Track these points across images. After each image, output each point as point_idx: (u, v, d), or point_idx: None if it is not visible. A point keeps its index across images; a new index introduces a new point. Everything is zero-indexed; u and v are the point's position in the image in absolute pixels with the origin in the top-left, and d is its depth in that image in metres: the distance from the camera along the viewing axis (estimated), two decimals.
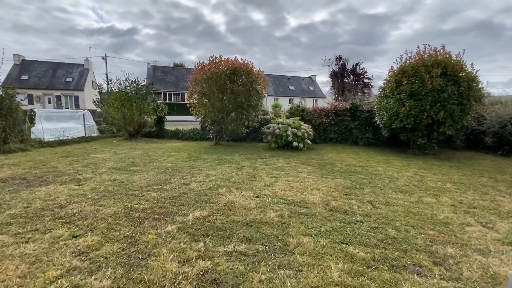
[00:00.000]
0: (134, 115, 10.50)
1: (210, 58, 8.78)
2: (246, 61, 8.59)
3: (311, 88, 51.24)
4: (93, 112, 12.93)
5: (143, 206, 3.55)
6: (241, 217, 3.24)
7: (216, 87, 8.47)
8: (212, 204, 3.65)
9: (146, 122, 11.20)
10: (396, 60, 7.91)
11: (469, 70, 6.81)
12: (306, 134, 8.08)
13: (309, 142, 8.21)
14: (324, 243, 2.64)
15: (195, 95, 9.09)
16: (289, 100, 47.35)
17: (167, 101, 35.70)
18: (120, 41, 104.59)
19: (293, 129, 7.94)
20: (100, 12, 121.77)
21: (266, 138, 8.53)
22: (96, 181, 4.75)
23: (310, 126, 8.62)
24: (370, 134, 9.46)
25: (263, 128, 9.46)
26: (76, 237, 2.70)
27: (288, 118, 9.03)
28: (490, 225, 3.19)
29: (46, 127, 9.34)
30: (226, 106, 8.66)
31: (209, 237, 2.73)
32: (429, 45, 7.45)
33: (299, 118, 8.62)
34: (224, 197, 3.95)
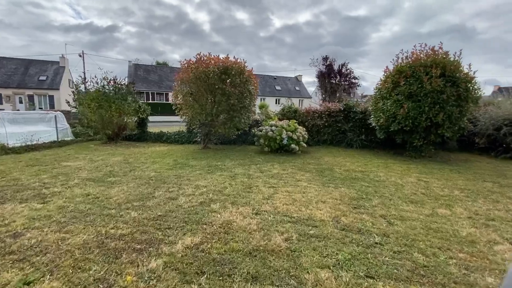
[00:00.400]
0: (113, 116, 9.64)
1: (198, 56, 8.15)
2: (238, 60, 8.03)
3: (297, 88, 51.36)
4: (67, 114, 11.85)
5: (120, 232, 2.94)
6: (242, 243, 2.71)
7: (205, 87, 7.87)
8: (205, 226, 3.09)
9: (126, 124, 10.35)
10: (393, 59, 7.67)
11: (467, 71, 6.65)
12: (301, 137, 7.65)
13: (304, 145, 7.79)
14: (347, 279, 2.17)
15: (181, 96, 8.42)
16: (276, 100, 47.19)
17: (150, 101, 34.34)
18: (99, 39, 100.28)
19: (288, 132, 7.48)
20: (77, 8, 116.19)
21: (258, 141, 8.03)
22: (65, 197, 4.04)
23: (304, 129, 8.21)
24: (364, 136, 9.20)
25: (253, 130, 8.96)
26: (29, 283, 2.06)
27: (280, 120, 8.56)
28: None
29: (10, 131, 8.31)
30: (216, 108, 8.05)
31: (205, 276, 2.18)
32: (425, 44, 7.25)
33: (295, 121, 8.18)
34: (219, 215, 3.40)
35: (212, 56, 8.06)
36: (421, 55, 7.17)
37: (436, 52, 6.95)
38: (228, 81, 8.01)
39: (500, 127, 7.29)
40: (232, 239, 2.80)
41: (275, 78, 50.58)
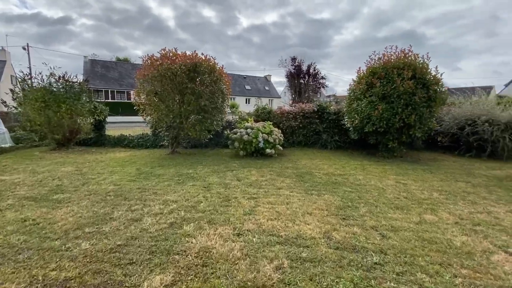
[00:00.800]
0: (64, 118, 8.37)
1: (162, 52, 7.36)
2: (208, 57, 7.41)
3: (266, 88, 51.61)
4: (4, 115, 10.09)
5: (65, 275, 2.26)
6: (225, 279, 2.22)
7: (171, 86, 7.12)
8: (177, 257, 2.53)
9: (80, 127, 9.09)
10: (367, 60, 7.70)
11: (434, 73, 6.89)
12: (277, 140, 7.32)
13: (280, 148, 7.47)
14: None
15: (144, 95, 7.56)
16: (246, 99, 46.87)
17: (110, 100, 31.71)
18: (49, 31, 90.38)
19: (264, 134, 7.09)
20: None
21: (232, 145, 7.51)
22: None
23: (279, 131, 7.91)
24: (337, 137, 9.20)
25: (225, 132, 8.43)
26: None
27: (256, 121, 8.15)
28: (510, 249, 2.80)
29: None
30: (185, 109, 7.35)
31: None
32: (396, 47, 7.39)
33: (270, 123, 7.81)
34: (194, 240, 2.86)
35: (179, 53, 7.33)
36: (392, 58, 7.28)
37: (407, 55, 7.10)
38: (197, 79, 7.37)
39: (463, 127, 7.73)
40: (212, 273, 2.29)
41: (244, 78, 50.23)
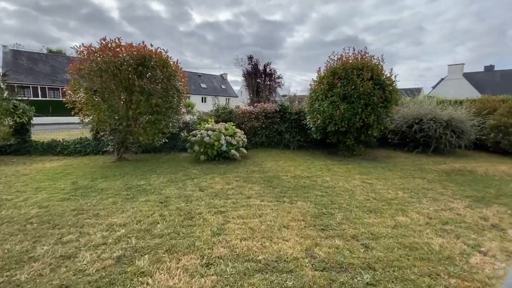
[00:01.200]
0: None
1: (103, 42, 6.23)
2: (158, 49, 6.52)
3: (223, 87, 50.69)
4: None
5: None
6: None
7: (115, 83, 6.07)
8: None
9: None
10: (327, 61, 7.73)
11: (388, 74, 7.23)
12: (241, 142, 6.85)
13: (245, 150, 7.03)
14: None
15: (83, 93, 6.32)
16: (202, 98, 45.27)
17: (40, 98, 27.27)
18: None
19: (227, 136, 6.55)
20: None
21: (191, 148, 6.79)
22: None
23: (242, 132, 7.45)
24: (299, 136, 9.16)
25: (182, 134, 7.66)
26: None
27: (216, 122, 7.54)
28: (483, 249, 2.83)
29: None
30: (133, 109, 6.35)
31: None
32: (354, 48, 7.57)
33: (233, 123, 7.28)
34: (150, 280, 2.22)
35: (123, 43, 6.30)
36: (350, 59, 7.43)
37: (364, 56, 7.31)
38: (147, 75, 6.44)
39: (411, 125, 8.35)
40: None
41: (199, 76, 48.49)
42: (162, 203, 3.96)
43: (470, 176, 5.79)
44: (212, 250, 2.68)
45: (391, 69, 7.13)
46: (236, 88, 54.70)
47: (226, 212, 3.64)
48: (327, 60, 7.89)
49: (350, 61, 7.38)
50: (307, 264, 2.49)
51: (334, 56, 7.80)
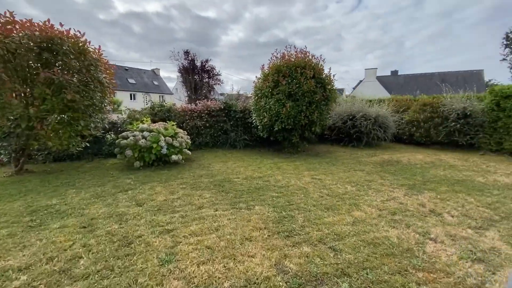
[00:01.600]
0: None
1: None
2: (71, 32, 5.19)
3: (155, 83, 46.78)
4: None
5: None
6: None
7: (7, 71, 4.54)
8: None
9: None
10: (271, 58, 7.63)
11: (327, 73, 7.58)
12: (184, 143, 6.11)
13: (188, 152, 6.31)
14: None
15: None
16: (131, 95, 40.80)
17: None
18: None
19: (168, 138, 5.71)
20: None
21: (122, 154, 5.70)
22: None
23: (185, 132, 6.69)
24: (245, 135, 8.89)
25: (108, 136, 6.45)
26: None
27: (153, 122, 6.56)
28: (432, 236, 3.03)
29: None
30: (36, 106, 4.89)
31: None
32: (295, 47, 7.67)
33: (174, 123, 6.41)
34: None
35: (20, 20, 4.80)
36: (291, 58, 7.50)
37: (305, 55, 7.46)
38: (57, 63, 5.08)
39: (346, 121, 9.05)
40: None
41: (126, 69, 43.52)
42: (85, 227, 3.05)
43: (399, 166, 6.53)
44: (163, 286, 2.08)
45: (330, 69, 7.51)
46: (171, 85, 51.27)
47: (174, 230, 3.02)
48: (271, 58, 7.82)
49: (293, 59, 7.45)
50: (280, 284, 2.15)
51: (277, 53, 7.77)
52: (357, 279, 2.25)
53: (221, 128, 8.63)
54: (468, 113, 7.94)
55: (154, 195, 4.15)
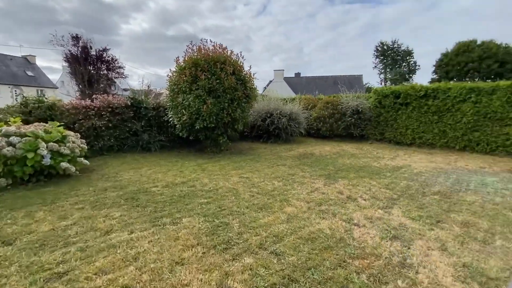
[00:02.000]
0: None
1: None
2: None
3: (30, 74, 36.73)
4: None
5: None
6: None
7: None
8: None
9: None
10: (186, 51, 6.94)
11: (248, 71, 7.52)
12: (77, 150, 4.76)
13: (85, 161, 4.98)
14: None
15: None
16: None
17: None
18: None
19: (52, 143, 4.28)
20: None
21: None
22: None
23: (78, 135, 5.25)
24: (161, 136, 7.89)
25: None
26: None
27: (26, 123, 4.84)
28: (355, 221, 3.29)
29: None
30: None
31: None
32: (211, 41, 7.26)
33: (59, 124, 4.86)
34: None
35: None
36: (210, 52, 7.07)
37: (224, 50, 7.16)
38: None
39: (265, 119, 9.33)
40: None
41: None
42: None
43: (313, 158, 7.16)
44: None
45: (250, 67, 7.48)
46: (54, 77, 41.30)
47: (70, 271, 2.18)
48: (186, 50, 7.15)
49: (211, 54, 7.03)
50: None
51: (194, 46, 7.17)
52: (305, 282, 2.13)
53: (129, 129, 7.32)
54: (360, 110, 9.57)
55: (34, 225, 2.98)
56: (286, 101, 10.43)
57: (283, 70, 36.01)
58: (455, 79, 24.60)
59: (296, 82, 36.57)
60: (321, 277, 2.21)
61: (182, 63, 7.01)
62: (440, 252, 2.56)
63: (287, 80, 36.51)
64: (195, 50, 7.09)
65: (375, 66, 44.41)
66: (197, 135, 7.26)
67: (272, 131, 9.37)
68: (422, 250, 2.60)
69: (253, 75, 7.47)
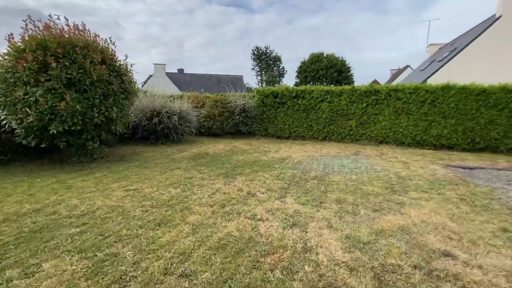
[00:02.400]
0: None
1: None
2: None
3: None
4: None
5: None
6: None
7: None
8: None
9: None
10: (25, 27, 4.98)
11: (123, 62, 6.32)
12: None
13: None
14: None
15: None
16: None
17: None
18: None
19: None
20: None
21: None
22: None
23: None
24: None
25: None
26: None
27: None
28: (258, 216, 3.39)
29: None
30: None
31: None
32: (66, 19, 5.61)
33: None
34: None
35: None
36: (65, 33, 5.46)
37: (84, 31, 5.69)
38: None
39: (151, 118, 8.24)
40: None
41: None
42: None
43: (208, 157, 6.99)
44: None
45: (126, 56, 6.30)
46: None
47: None
48: (25, 26, 5.18)
49: (67, 35, 5.44)
50: None
51: (36, 23, 5.30)
52: None
53: None
54: (247, 109, 10.20)
55: None
56: (174, 99, 9.67)
57: (165, 64, 33.55)
58: (311, 83, 31.18)
59: (180, 79, 35.04)
60: (239, 286, 2.09)
61: (20, 44, 5.03)
62: (328, 230, 3.01)
63: (170, 75, 34.36)
64: (40, 28, 5.27)
65: (253, 68, 49.20)
66: (54, 142, 5.47)
67: (160, 131, 8.44)
68: (316, 231, 2.97)
69: (131, 66, 6.39)
